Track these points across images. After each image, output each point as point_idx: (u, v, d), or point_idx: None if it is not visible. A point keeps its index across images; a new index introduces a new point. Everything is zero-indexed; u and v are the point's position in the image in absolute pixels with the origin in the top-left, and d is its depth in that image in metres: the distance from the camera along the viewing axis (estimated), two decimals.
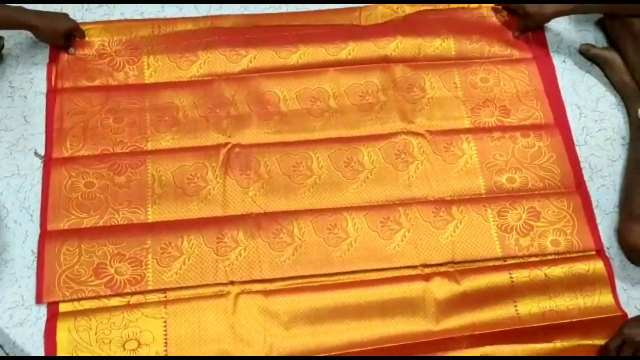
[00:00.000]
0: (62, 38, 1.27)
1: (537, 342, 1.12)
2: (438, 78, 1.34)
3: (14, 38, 1.32)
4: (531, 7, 1.33)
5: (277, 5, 1.42)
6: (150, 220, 1.18)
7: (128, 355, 1.07)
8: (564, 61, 1.39)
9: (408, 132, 1.29)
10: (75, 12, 1.37)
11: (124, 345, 1.08)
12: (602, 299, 1.17)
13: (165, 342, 1.09)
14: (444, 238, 1.19)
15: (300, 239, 1.18)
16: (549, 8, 1.31)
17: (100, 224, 1.17)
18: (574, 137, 1.30)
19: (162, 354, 1.08)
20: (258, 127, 1.28)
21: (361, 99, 1.32)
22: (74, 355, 1.07)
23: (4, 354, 1.10)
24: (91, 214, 1.18)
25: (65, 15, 1.29)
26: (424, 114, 1.31)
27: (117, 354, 1.07)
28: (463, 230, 1.20)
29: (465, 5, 1.42)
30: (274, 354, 1.10)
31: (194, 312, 1.11)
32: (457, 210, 1.22)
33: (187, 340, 1.10)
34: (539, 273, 1.17)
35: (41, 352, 1.08)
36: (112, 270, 1.13)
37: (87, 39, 1.32)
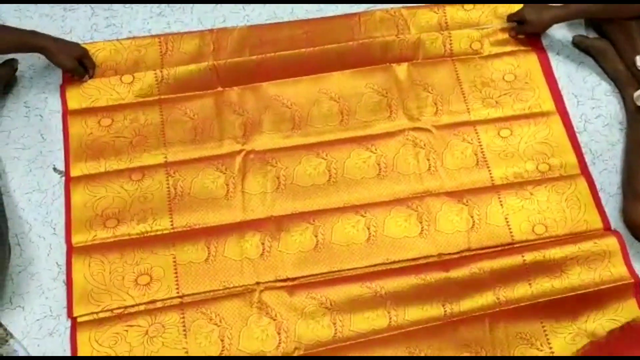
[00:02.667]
0: (74, 61, 1.30)
1: (554, 317, 1.16)
2: (440, 75, 1.39)
3: (27, 60, 1.36)
4: (530, 15, 1.38)
5: (280, 12, 1.46)
6: (173, 230, 1.21)
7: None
8: (557, 53, 1.44)
9: (415, 129, 1.33)
10: (85, 33, 1.41)
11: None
12: (614, 269, 1.20)
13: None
14: (459, 228, 1.23)
15: (321, 237, 1.21)
16: (547, 15, 1.37)
17: (125, 237, 1.20)
18: (574, 124, 1.36)
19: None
20: (270, 132, 1.32)
21: (368, 100, 1.36)
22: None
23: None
24: (115, 227, 1.21)
25: (77, 44, 1.33)
26: (429, 111, 1.36)
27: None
28: (476, 220, 1.24)
29: (460, 5, 1.48)
30: (294, 344, 1.13)
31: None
32: (469, 201, 1.26)
33: None
34: (550, 253, 1.20)
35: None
36: (139, 281, 1.16)
37: (97, 62, 1.36)
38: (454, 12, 1.47)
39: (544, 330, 1.17)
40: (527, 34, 1.43)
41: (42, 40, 1.27)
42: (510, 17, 1.44)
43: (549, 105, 1.38)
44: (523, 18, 1.40)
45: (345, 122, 1.35)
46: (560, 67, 1.43)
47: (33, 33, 1.28)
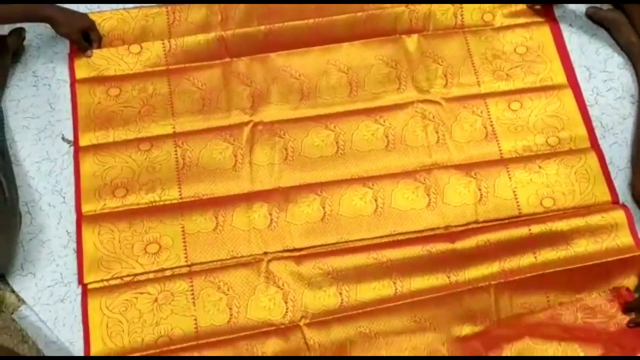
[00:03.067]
0: (78, 33, 1.29)
1: (559, 289, 1.17)
2: (450, 47, 1.38)
3: (34, 29, 1.36)
4: None
5: None
6: (181, 200, 1.22)
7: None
8: (570, 25, 1.42)
9: (424, 101, 1.32)
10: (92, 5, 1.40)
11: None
12: (621, 240, 1.21)
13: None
14: (466, 201, 1.23)
15: (329, 208, 1.21)
16: None
17: (134, 206, 1.21)
18: (585, 98, 1.34)
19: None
20: (278, 103, 1.32)
21: (377, 72, 1.35)
22: (105, 329, 1.11)
23: (47, 331, 1.13)
24: (124, 197, 1.21)
25: (85, 15, 1.32)
26: (439, 83, 1.35)
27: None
28: (484, 193, 1.24)
29: None
30: (300, 313, 1.14)
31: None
32: (477, 174, 1.25)
33: None
34: (557, 226, 1.21)
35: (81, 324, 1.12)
36: (148, 250, 1.17)
37: (104, 31, 1.35)
38: None
39: (548, 302, 1.18)
40: (543, 2, 1.40)
41: (48, 10, 1.26)
42: None
43: (560, 78, 1.36)
44: None
45: (354, 93, 1.34)
46: (573, 39, 1.41)
47: (39, 3, 1.27)
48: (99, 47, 1.34)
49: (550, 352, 1.11)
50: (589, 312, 1.17)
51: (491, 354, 1.13)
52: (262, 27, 1.36)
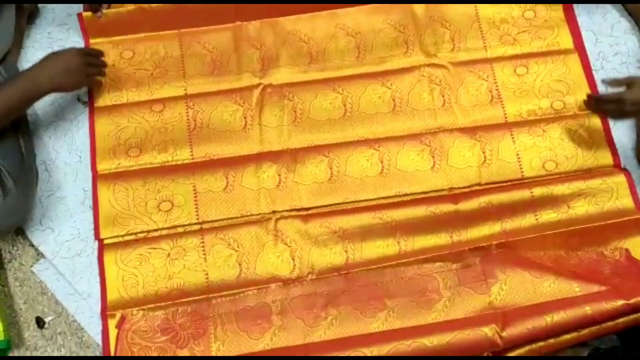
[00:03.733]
0: None
1: (559, 250, 1.20)
2: (458, 11, 1.39)
3: None
4: None
5: None
6: (192, 160, 1.26)
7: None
8: None
9: (431, 65, 1.34)
10: None
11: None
12: (621, 203, 1.24)
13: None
14: (470, 163, 1.26)
15: (336, 169, 1.25)
16: None
17: (147, 166, 1.25)
18: (591, 62, 1.35)
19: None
20: (288, 66, 1.34)
21: (385, 36, 1.37)
22: (121, 281, 1.16)
23: (66, 284, 1.19)
24: (137, 156, 1.25)
25: None
26: (446, 47, 1.36)
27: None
28: (488, 155, 1.27)
29: None
30: (307, 269, 1.19)
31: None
32: (482, 137, 1.28)
33: None
34: (558, 189, 1.24)
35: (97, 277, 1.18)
36: (161, 207, 1.22)
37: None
38: None
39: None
40: None
41: None
42: None
43: (567, 43, 1.37)
44: None
45: (362, 57, 1.36)
46: (580, 5, 1.41)
47: None
48: (109, 6, 1.34)
49: (545, 286, 1.13)
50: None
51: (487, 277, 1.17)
52: None
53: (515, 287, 1.15)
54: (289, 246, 1.20)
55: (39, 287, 1.20)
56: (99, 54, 1.26)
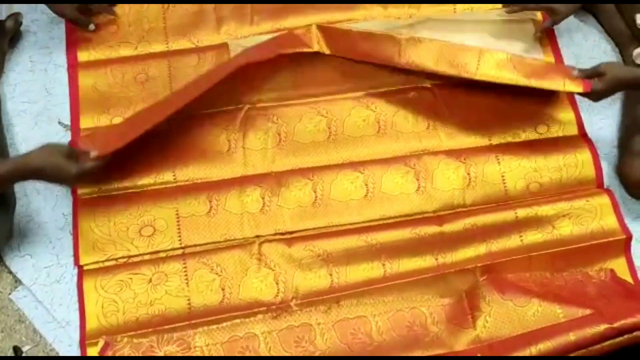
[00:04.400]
0: (72, 11, 1.28)
1: (544, 271, 1.20)
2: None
3: (31, 15, 1.37)
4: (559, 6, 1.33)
5: None
6: (175, 184, 1.24)
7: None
8: None
9: (417, 88, 1.34)
10: None
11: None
12: (606, 223, 1.24)
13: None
14: (455, 185, 1.26)
15: (320, 193, 1.24)
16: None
17: (129, 190, 1.22)
18: None
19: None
20: (270, 90, 1.33)
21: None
22: (101, 309, 1.13)
23: (44, 312, 1.16)
24: (119, 181, 1.23)
25: None
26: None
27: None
28: (472, 178, 1.27)
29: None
30: (291, 294, 1.17)
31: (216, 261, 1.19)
32: (466, 159, 1.28)
33: None
34: (543, 210, 1.24)
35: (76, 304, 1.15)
36: (143, 232, 1.19)
37: (98, 21, 1.35)
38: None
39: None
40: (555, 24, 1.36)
41: None
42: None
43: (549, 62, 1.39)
44: (551, 8, 1.33)
45: (346, 80, 1.35)
46: (562, 24, 1.42)
47: None
48: (113, 13, 1.34)
49: (530, 314, 1.13)
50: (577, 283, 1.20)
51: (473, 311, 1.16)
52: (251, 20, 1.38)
53: (500, 318, 1.14)
54: (273, 270, 1.19)
55: (17, 315, 1.17)
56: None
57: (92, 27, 1.33)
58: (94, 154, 1.10)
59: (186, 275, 1.17)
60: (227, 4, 1.39)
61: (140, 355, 1.10)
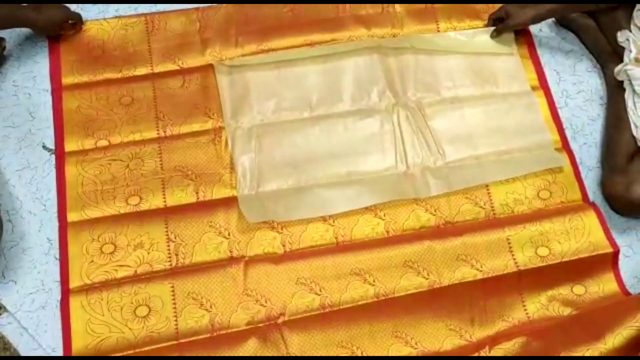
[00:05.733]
0: (58, 28, 1.32)
1: (535, 289, 1.21)
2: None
3: (14, 39, 1.37)
4: (514, 8, 1.37)
5: None
6: (165, 206, 1.23)
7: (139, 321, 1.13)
8: (540, 30, 1.46)
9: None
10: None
11: (135, 312, 1.14)
12: (594, 237, 1.25)
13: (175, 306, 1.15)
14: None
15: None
16: (530, 11, 1.35)
17: (119, 212, 1.21)
18: (555, 100, 1.38)
19: (172, 319, 1.14)
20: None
21: None
22: (89, 328, 1.12)
23: (29, 339, 1.15)
24: (107, 204, 1.22)
25: (61, 6, 1.33)
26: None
27: (128, 321, 1.13)
28: (458, 194, 1.28)
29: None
30: (286, 312, 1.16)
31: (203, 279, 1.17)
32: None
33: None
34: (532, 226, 1.24)
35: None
36: (134, 255, 1.18)
37: (84, 41, 1.36)
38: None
39: (521, 296, 1.22)
40: (509, 29, 1.40)
41: (26, 12, 1.28)
42: (492, 15, 1.42)
43: (533, 82, 1.40)
44: (507, 12, 1.37)
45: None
46: (544, 42, 1.45)
47: (16, 6, 1.28)
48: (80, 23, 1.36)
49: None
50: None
51: None
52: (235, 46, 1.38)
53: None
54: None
55: (2, 343, 1.15)
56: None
57: (78, 27, 1.36)
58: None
59: (174, 304, 1.15)
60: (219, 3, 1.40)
61: None
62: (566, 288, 1.22)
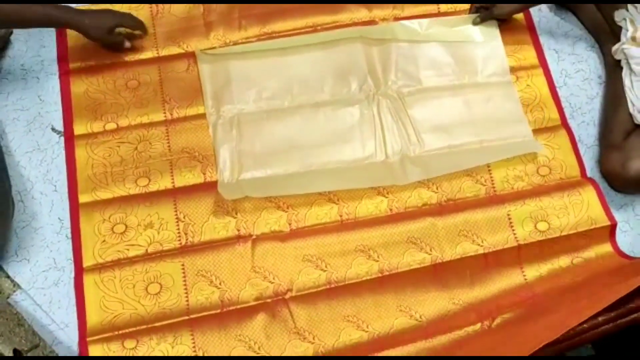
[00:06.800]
0: (107, 34, 1.28)
1: (535, 261, 1.24)
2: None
3: None
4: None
5: None
6: (173, 187, 1.25)
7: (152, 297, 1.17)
8: (539, 9, 1.48)
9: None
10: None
11: (147, 289, 1.17)
12: (593, 212, 1.28)
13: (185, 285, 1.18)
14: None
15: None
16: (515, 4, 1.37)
17: (129, 193, 1.24)
18: (554, 79, 1.40)
19: (183, 296, 1.17)
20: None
21: None
22: (103, 305, 1.15)
23: (42, 314, 1.18)
24: (117, 185, 1.24)
25: (111, 12, 1.30)
26: None
27: (140, 297, 1.16)
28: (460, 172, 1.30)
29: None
30: (293, 288, 1.19)
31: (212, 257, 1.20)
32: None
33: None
34: (531, 201, 1.28)
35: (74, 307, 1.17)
36: (145, 234, 1.21)
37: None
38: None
39: (522, 270, 1.25)
40: (493, 17, 1.41)
41: (69, 16, 1.23)
42: (476, 3, 1.42)
43: (533, 59, 1.42)
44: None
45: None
46: (543, 22, 1.47)
47: (67, 8, 1.24)
48: (145, 32, 1.35)
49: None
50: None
51: None
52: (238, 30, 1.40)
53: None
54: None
55: (16, 319, 1.18)
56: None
57: (127, 44, 1.34)
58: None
59: (185, 282, 1.18)
60: (217, 3, 1.41)
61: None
62: (566, 260, 1.25)
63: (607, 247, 1.27)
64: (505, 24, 1.43)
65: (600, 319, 1.09)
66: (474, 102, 1.36)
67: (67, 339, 1.16)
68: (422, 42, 1.41)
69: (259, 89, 1.34)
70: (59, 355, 1.16)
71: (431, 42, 1.41)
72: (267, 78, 1.35)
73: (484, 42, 1.41)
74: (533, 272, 1.24)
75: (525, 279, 1.24)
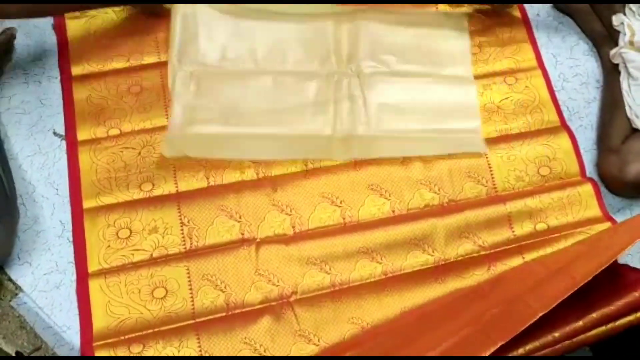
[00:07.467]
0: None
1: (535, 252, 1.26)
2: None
3: (22, 28, 1.39)
4: None
5: None
6: (177, 191, 1.25)
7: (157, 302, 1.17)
8: (537, 14, 1.49)
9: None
10: None
11: (152, 293, 1.18)
12: (591, 212, 1.30)
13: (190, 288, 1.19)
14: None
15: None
16: None
17: (133, 198, 1.24)
18: (552, 83, 1.42)
19: (189, 300, 1.18)
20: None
21: None
22: (108, 310, 1.16)
23: (44, 317, 1.19)
24: (121, 190, 1.25)
25: None
26: None
27: (146, 302, 1.17)
28: (461, 172, 1.31)
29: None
30: (298, 291, 1.20)
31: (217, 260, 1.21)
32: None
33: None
34: (532, 201, 1.29)
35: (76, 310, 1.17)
36: (149, 239, 1.21)
37: (92, 22, 1.38)
38: None
39: (523, 258, 1.26)
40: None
41: None
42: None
43: (531, 61, 1.44)
44: None
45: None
46: (540, 26, 1.48)
47: None
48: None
49: None
50: None
51: None
52: None
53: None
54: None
55: (18, 322, 1.19)
56: None
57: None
58: None
59: (190, 286, 1.18)
60: (217, 3, 1.40)
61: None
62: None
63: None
64: (503, 25, 1.44)
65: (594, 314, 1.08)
66: (432, 93, 1.37)
67: (69, 341, 1.16)
68: (393, 24, 1.42)
69: (225, 49, 1.36)
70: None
71: (400, 27, 1.42)
72: (236, 40, 1.37)
73: (453, 37, 1.43)
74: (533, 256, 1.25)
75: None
